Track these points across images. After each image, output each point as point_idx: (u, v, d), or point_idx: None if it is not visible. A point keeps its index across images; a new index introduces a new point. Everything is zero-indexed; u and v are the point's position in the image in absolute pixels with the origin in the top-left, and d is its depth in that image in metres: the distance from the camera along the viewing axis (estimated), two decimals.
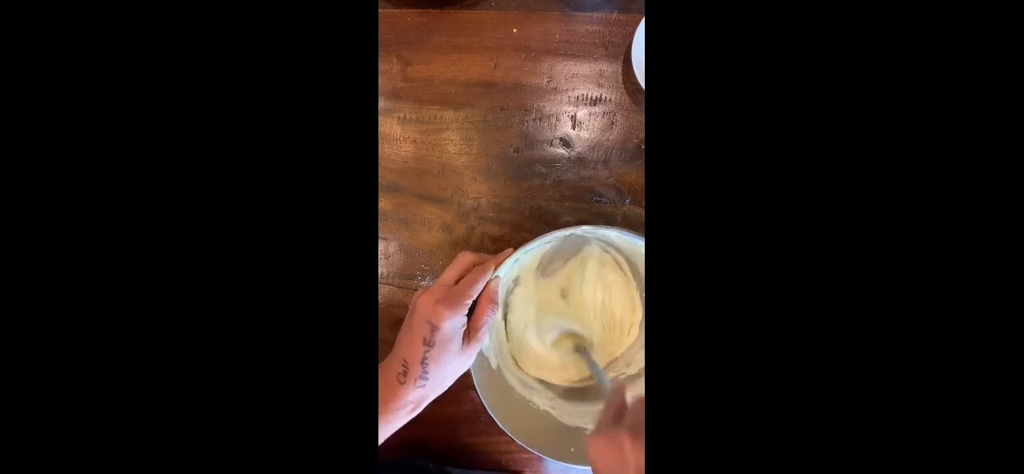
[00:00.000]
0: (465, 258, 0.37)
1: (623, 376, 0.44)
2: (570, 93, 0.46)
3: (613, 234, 0.41)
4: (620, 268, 0.44)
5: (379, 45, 0.46)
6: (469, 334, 0.35)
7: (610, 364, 0.45)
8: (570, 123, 0.46)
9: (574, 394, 0.44)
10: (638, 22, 0.43)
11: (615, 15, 0.46)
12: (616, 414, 0.30)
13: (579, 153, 0.46)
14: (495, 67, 0.46)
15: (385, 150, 0.46)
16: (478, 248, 0.46)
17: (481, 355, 0.39)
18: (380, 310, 0.46)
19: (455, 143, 0.46)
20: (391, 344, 0.36)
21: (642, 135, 0.45)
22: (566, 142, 0.46)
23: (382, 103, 0.46)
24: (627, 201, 0.46)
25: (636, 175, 0.45)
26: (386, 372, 0.35)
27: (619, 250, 0.44)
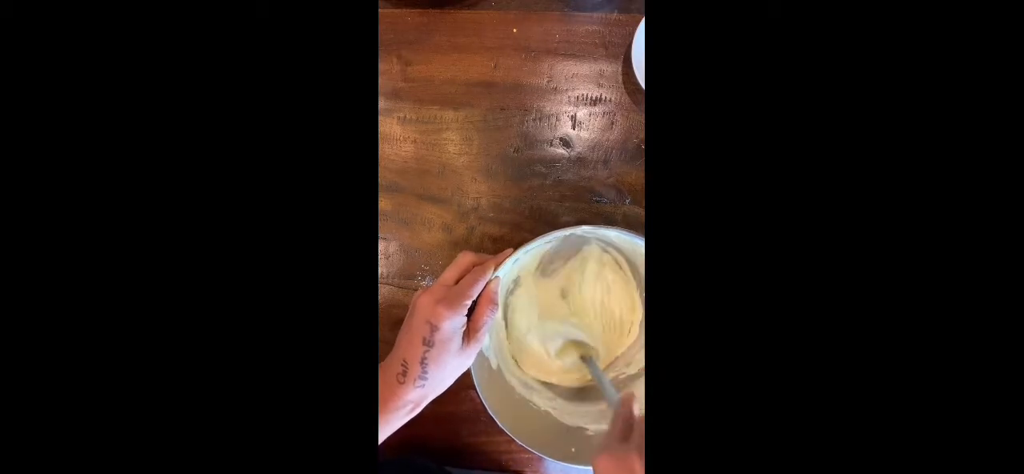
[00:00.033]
0: (465, 258, 0.37)
1: (623, 376, 0.44)
2: (570, 93, 0.46)
3: (613, 234, 0.41)
4: (620, 268, 0.44)
5: (379, 45, 0.46)
6: (469, 334, 0.35)
7: (610, 364, 0.45)
8: (570, 123, 0.46)
9: (574, 394, 0.44)
10: (638, 22, 0.43)
11: (615, 15, 0.46)
12: (624, 430, 0.30)
13: (579, 153, 0.46)
14: (495, 67, 0.46)
15: (385, 150, 0.46)
16: (478, 248, 0.46)
17: (481, 355, 0.39)
18: (380, 310, 0.46)
19: (455, 143, 0.46)
20: (391, 344, 0.36)
21: (642, 135, 0.45)
22: (566, 142, 0.46)
23: (382, 103, 0.46)
24: (627, 201, 0.46)
25: (636, 175, 0.45)
26: (386, 372, 0.35)
27: (619, 250, 0.44)
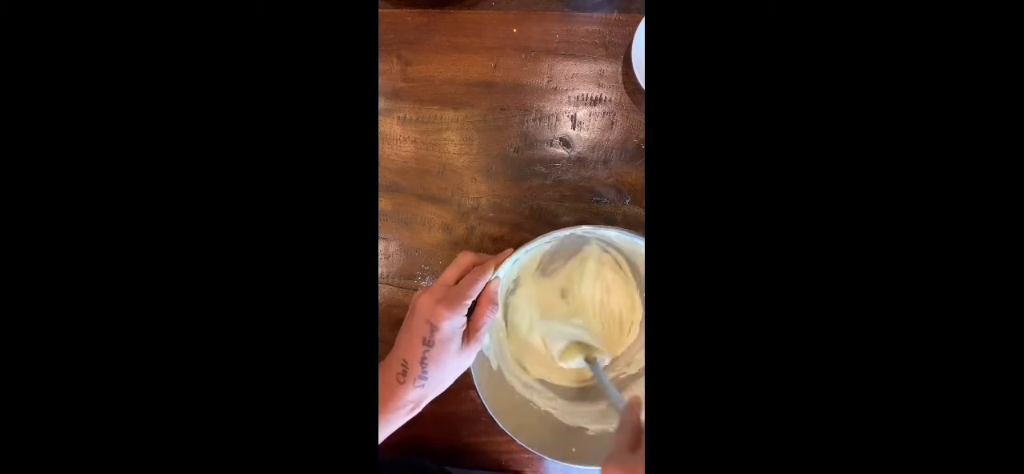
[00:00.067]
0: (465, 258, 0.37)
1: (623, 376, 0.44)
2: (570, 93, 0.45)
3: (613, 234, 0.41)
4: (620, 268, 0.44)
5: (379, 45, 0.46)
6: (469, 334, 0.35)
7: (610, 364, 0.45)
8: (570, 123, 0.46)
9: (575, 394, 0.44)
10: (638, 22, 0.43)
11: (615, 15, 0.46)
12: (632, 437, 0.30)
13: (579, 153, 0.46)
14: (495, 67, 0.46)
15: (385, 150, 0.46)
16: (478, 248, 0.46)
17: (481, 355, 0.39)
18: (380, 310, 0.46)
19: (455, 143, 0.46)
20: (391, 344, 0.36)
21: (642, 135, 0.45)
22: (566, 142, 0.46)
23: (382, 103, 0.46)
24: (627, 201, 0.46)
25: (636, 175, 0.45)
26: (385, 372, 0.35)
27: (619, 250, 0.44)
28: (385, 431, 0.34)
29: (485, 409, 0.39)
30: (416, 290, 0.45)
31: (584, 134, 0.46)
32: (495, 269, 0.36)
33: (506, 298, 0.44)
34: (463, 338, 0.35)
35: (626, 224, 0.45)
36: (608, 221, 0.46)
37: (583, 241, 0.44)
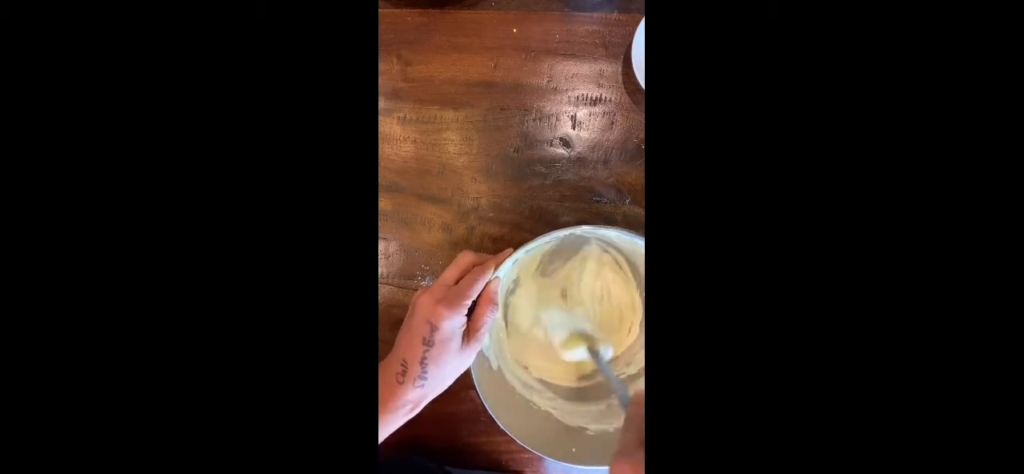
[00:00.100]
0: (465, 258, 0.37)
1: (623, 376, 0.44)
2: (570, 93, 0.46)
3: (613, 234, 0.41)
4: (620, 268, 0.44)
5: (379, 45, 0.46)
6: (469, 334, 0.35)
7: (609, 364, 0.45)
8: (570, 123, 0.46)
9: (575, 394, 0.44)
10: (638, 22, 0.43)
11: (615, 15, 0.46)
12: (639, 434, 0.29)
13: (579, 153, 0.46)
14: (495, 67, 0.46)
15: (385, 150, 0.46)
16: (478, 248, 0.46)
17: (481, 355, 0.39)
18: (380, 310, 0.46)
19: (455, 143, 0.46)
20: (391, 344, 0.36)
21: (642, 135, 0.45)
22: (566, 142, 0.46)
23: (382, 103, 0.46)
24: (627, 201, 0.46)
25: (636, 175, 0.45)
26: (385, 372, 0.35)
27: (619, 250, 0.44)
28: (385, 431, 0.34)
29: (485, 409, 0.39)
30: (416, 290, 0.45)
31: (584, 134, 0.46)
32: (495, 269, 0.36)
33: (506, 298, 0.44)
34: (463, 338, 0.35)
35: (626, 224, 0.45)
36: (608, 221, 0.46)
37: (583, 241, 0.44)
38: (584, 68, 0.45)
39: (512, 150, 0.46)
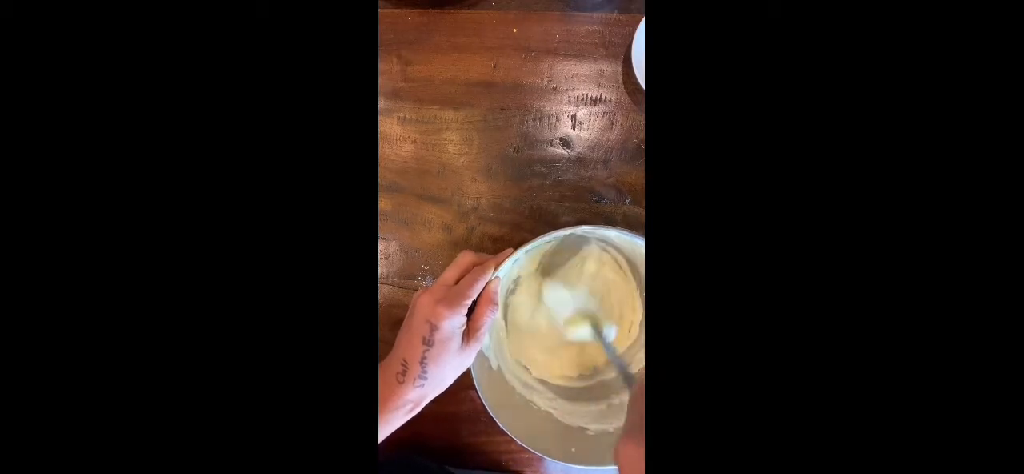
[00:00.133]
0: (465, 258, 0.37)
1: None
2: (570, 93, 0.46)
3: (613, 234, 0.41)
4: (620, 268, 0.44)
5: (379, 45, 0.46)
6: (468, 334, 0.35)
7: (608, 364, 0.45)
8: (570, 123, 0.46)
9: (575, 394, 0.44)
10: (638, 22, 0.43)
11: (615, 15, 0.46)
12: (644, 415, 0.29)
13: (579, 153, 0.46)
14: (495, 67, 0.46)
15: (385, 150, 0.46)
16: (478, 248, 0.46)
17: (481, 355, 0.39)
18: (380, 310, 0.46)
19: (455, 143, 0.46)
20: (391, 344, 0.36)
21: (642, 135, 0.45)
22: (566, 142, 0.46)
23: (382, 103, 0.46)
24: (627, 201, 0.46)
25: (636, 175, 0.45)
26: (385, 371, 0.35)
27: (619, 250, 0.44)
28: (384, 430, 0.34)
29: (485, 409, 0.39)
30: (416, 290, 0.45)
31: (584, 134, 0.46)
32: (495, 269, 0.36)
33: (506, 298, 0.44)
34: (463, 338, 0.35)
35: (626, 224, 0.45)
36: (608, 221, 0.46)
37: (583, 241, 0.44)
38: (584, 68, 0.45)
39: (512, 150, 0.46)
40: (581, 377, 0.45)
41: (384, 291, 0.46)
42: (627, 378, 0.36)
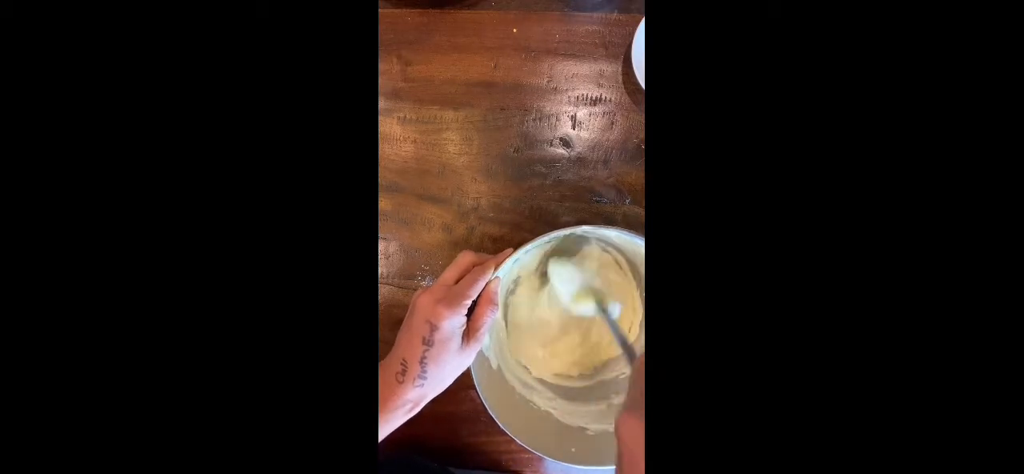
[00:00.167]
0: (465, 258, 0.37)
1: (623, 376, 0.44)
2: (570, 93, 0.46)
3: (613, 234, 0.41)
4: (620, 268, 0.44)
5: (379, 45, 0.46)
6: (468, 334, 0.35)
7: (608, 364, 0.45)
8: (570, 123, 0.46)
9: (575, 394, 0.44)
10: (638, 22, 0.43)
11: (615, 15, 0.46)
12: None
13: (579, 153, 0.46)
14: (495, 67, 0.46)
15: (385, 150, 0.46)
16: (478, 248, 0.46)
17: (481, 355, 0.39)
18: (380, 310, 0.46)
19: (455, 143, 0.46)
20: (391, 344, 0.36)
21: (642, 135, 0.45)
22: (566, 142, 0.46)
23: (382, 103, 0.46)
24: (627, 201, 0.46)
25: (636, 175, 0.45)
26: (385, 371, 0.35)
27: (619, 250, 0.44)
28: (384, 430, 0.34)
29: (485, 409, 0.39)
30: (416, 290, 0.45)
31: (584, 134, 0.46)
32: (495, 269, 0.36)
33: (506, 298, 0.44)
34: (463, 338, 0.35)
35: (626, 224, 0.45)
36: (608, 221, 0.46)
37: (583, 241, 0.44)
38: (584, 68, 0.45)
39: (512, 150, 0.46)
40: (581, 377, 0.45)
41: (384, 291, 0.46)
42: (629, 353, 0.36)
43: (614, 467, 0.29)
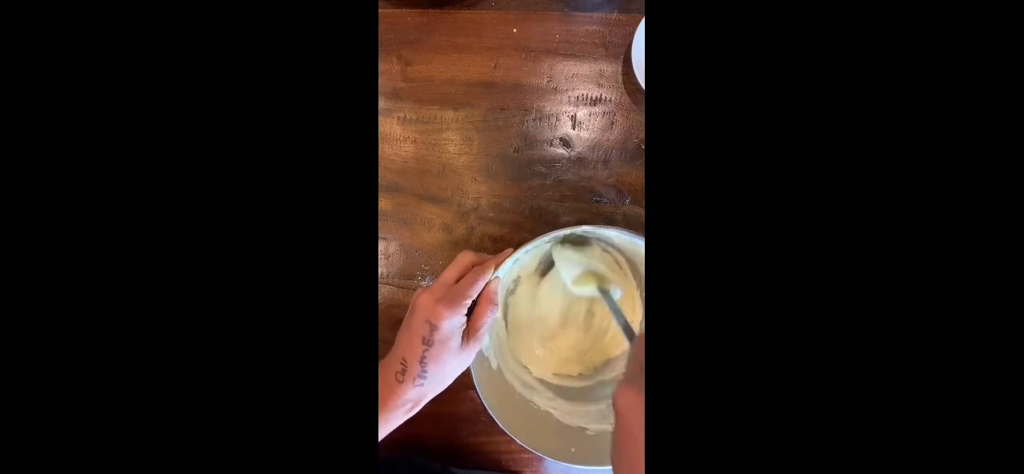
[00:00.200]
0: (465, 258, 0.37)
1: (623, 376, 0.44)
2: (570, 93, 0.46)
3: (613, 234, 0.41)
4: (620, 268, 0.44)
5: (379, 45, 0.46)
6: (468, 334, 0.35)
7: (607, 363, 0.45)
8: (570, 123, 0.46)
9: (575, 394, 0.44)
10: (638, 22, 0.43)
11: (615, 15, 0.46)
12: (643, 363, 0.30)
13: (579, 153, 0.46)
14: (495, 67, 0.46)
15: (385, 150, 0.46)
16: (478, 248, 0.46)
17: (481, 355, 0.39)
18: (380, 310, 0.46)
19: (455, 143, 0.46)
20: (391, 344, 0.36)
21: (642, 135, 0.45)
22: (566, 142, 0.46)
23: (382, 103, 0.46)
24: (627, 201, 0.46)
25: (636, 175, 0.45)
26: (385, 370, 0.35)
27: (619, 250, 0.44)
28: (384, 430, 0.34)
29: (485, 409, 0.39)
30: (416, 290, 0.45)
31: (584, 134, 0.46)
32: (495, 269, 0.36)
33: (506, 298, 0.44)
34: (463, 338, 0.35)
35: (626, 224, 0.45)
36: (608, 221, 0.46)
37: (583, 241, 0.44)
38: (584, 68, 0.45)
39: (512, 150, 0.46)
40: (581, 377, 0.45)
41: (384, 291, 0.46)
42: (628, 333, 0.36)
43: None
